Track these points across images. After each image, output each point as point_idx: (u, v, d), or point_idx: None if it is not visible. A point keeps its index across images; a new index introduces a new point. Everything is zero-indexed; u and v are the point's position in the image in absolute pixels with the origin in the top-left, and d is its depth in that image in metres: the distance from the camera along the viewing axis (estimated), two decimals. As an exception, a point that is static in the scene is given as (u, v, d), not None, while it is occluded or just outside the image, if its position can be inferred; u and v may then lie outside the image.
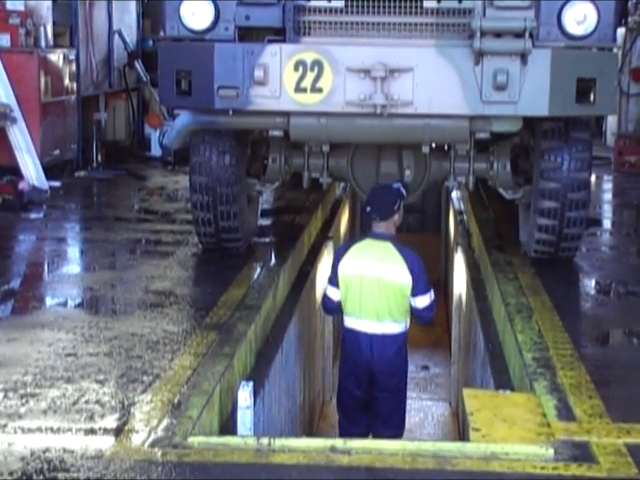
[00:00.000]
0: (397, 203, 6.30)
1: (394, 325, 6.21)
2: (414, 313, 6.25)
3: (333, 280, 6.32)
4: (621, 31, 12.68)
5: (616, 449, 4.16)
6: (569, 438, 4.28)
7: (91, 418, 4.33)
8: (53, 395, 4.60)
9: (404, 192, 6.61)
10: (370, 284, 6.12)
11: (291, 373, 7.34)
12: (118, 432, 4.18)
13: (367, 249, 6.21)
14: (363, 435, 6.34)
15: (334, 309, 6.49)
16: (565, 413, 4.57)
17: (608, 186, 12.01)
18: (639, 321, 6.25)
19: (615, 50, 6.90)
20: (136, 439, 4.13)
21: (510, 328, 5.94)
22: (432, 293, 6.22)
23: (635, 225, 10.10)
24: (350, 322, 6.29)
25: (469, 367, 8.28)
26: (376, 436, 6.32)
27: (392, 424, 6.43)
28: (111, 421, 4.31)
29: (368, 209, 6.26)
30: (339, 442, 4.17)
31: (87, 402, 4.52)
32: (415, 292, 6.13)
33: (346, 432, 6.42)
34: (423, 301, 6.17)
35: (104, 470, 3.82)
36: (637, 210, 10.42)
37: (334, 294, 6.34)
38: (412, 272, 6.07)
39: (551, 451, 4.10)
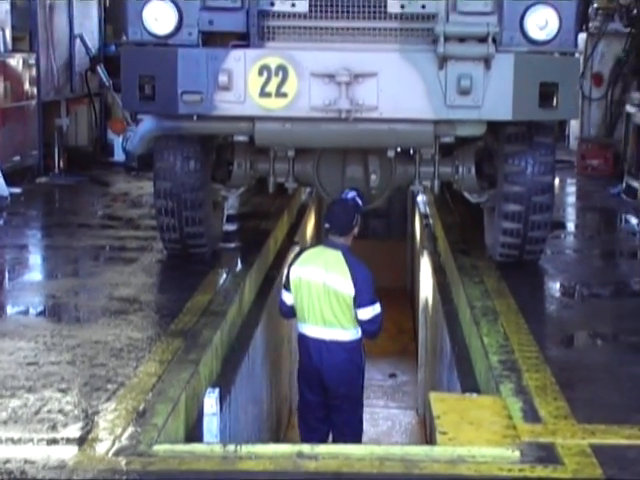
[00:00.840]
0: (355, 218, 6.37)
1: (342, 332, 6.20)
2: (359, 325, 6.24)
3: (286, 284, 6.36)
4: (582, 36, 12.79)
5: (581, 450, 4.18)
6: (535, 440, 4.30)
7: (53, 428, 4.27)
8: (14, 405, 4.54)
9: (360, 202, 6.71)
10: (317, 291, 6.15)
11: (258, 379, 7.31)
12: (81, 441, 4.13)
13: (317, 256, 6.25)
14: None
15: (288, 313, 6.51)
16: (531, 415, 4.59)
17: (572, 189, 12.11)
18: (603, 323, 6.30)
19: (577, 55, 6.95)
20: (100, 448, 4.08)
21: (476, 331, 5.96)
22: (377, 307, 6.18)
23: (598, 228, 10.19)
24: (301, 327, 6.34)
25: (436, 371, 8.29)
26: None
27: (347, 433, 6.39)
28: (74, 430, 4.25)
29: (327, 226, 6.29)
30: (306, 448, 4.15)
31: (49, 411, 4.47)
32: (358, 304, 6.12)
33: (305, 439, 6.44)
34: (365, 313, 6.14)
35: (67, 480, 3.78)
36: (600, 213, 10.51)
37: (287, 298, 6.38)
38: (355, 284, 6.07)
39: (517, 453, 4.11)
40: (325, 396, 6.39)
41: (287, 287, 6.35)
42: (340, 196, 6.81)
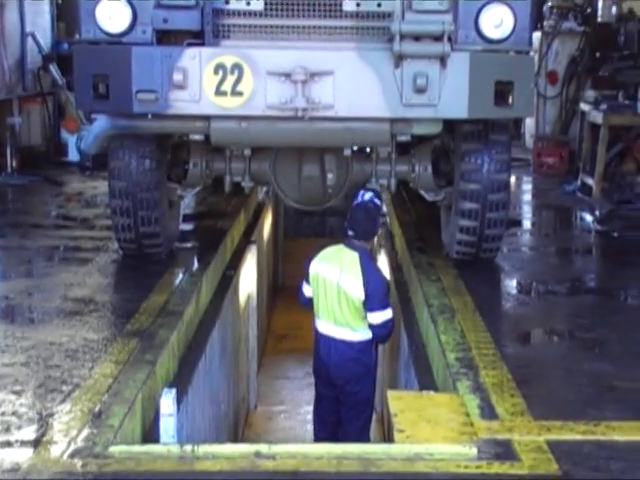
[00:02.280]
0: (378, 222, 6.45)
1: (351, 333, 6.24)
2: (369, 328, 6.25)
3: (307, 277, 6.44)
4: (537, 35, 12.89)
5: (537, 446, 4.21)
6: (492, 437, 4.32)
7: (7, 430, 4.22)
8: (-32, 407, 4.48)
9: (379, 202, 6.59)
10: (331, 289, 6.21)
11: (215, 379, 7.27)
12: (36, 444, 4.08)
13: (336, 255, 6.30)
14: (331, 438, 6.39)
15: (306, 303, 6.56)
16: (488, 412, 4.62)
17: (527, 187, 12.20)
18: (559, 320, 6.36)
19: (532, 53, 7.01)
20: (55, 450, 4.04)
21: (433, 329, 5.98)
22: (388, 312, 6.18)
23: (554, 225, 10.28)
24: (316, 322, 6.42)
25: (393, 369, 8.31)
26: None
27: (351, 431, 6.41)
28: (28, 433, 4.20)
29: (351, 233, 6.29)
30: (264, 447, 4.14)
31: (3, 414, 4.41)
32: (369, 308, 6.14)
33: (316, 433, 6.65)
34: (376, 318, 6.16)
35: (22, 483, 3.73)
36: (556, 210, 10.60)
37: (307, 290, 6.51)
38: (366, 288, 6.09)
39: (474, 450, 4.13)
40: (335, 391, 6.46)
41: (307, 279, 6.43)
42: (358, 199, 6.55)
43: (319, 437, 6.65)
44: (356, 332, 6.24)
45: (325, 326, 6.32)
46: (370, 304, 6.12)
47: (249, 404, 10.11)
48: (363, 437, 6.50)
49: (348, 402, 6.42)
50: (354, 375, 6.33)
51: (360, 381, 6.37)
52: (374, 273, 6.25)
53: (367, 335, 6.27)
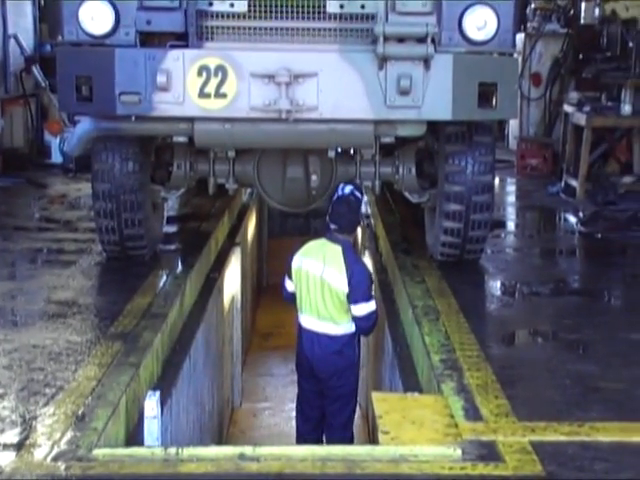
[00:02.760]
0: (360, 214, 6.46)
1: (334, 327, 6.28)
2: (353, 321, 6.28)
3: (289, 272, 6.47)
4: (520, 37, 12.93)
5: (521, 447, 4.22)
6: (476, 438, 4.33)
7: (-10, 433, 4.19)
8: (-50, 411, 4.45)
9: (360, 195, 6.72)
10: (314, 283, 6.25)
11: (199, 381, 7.26)
12: (19, 447, 4.06)
13: (319, 249, 6.35)
14: (313, 434, 6.52)
15: (289, 298, 6.60)
16: (472, 413, 4.62)
17: (511, 189, 12.23)
18: (543, 321, 6.37)
19: (515, 55, 7.03)
20: (38, 453, 4.02)
21: (418, 330, 5.98)
22: (372, 304, 6.24)
23: (538, 227, 10.31)
24: (299, 316, 6.45)
25: (378, 370, 8.31)
26: (327, 438, 6.49)
27: (336, 426, 6.48)
28: (11, 436, 4.18)
29: (334, 227, 6.34)
30: (248, 450, 4.13)
31: (-14, 417, 4.38)
32: (353, 300, 6.18)
33: (298, 429, 6.68)
34: (360, 310, 6.20)
35: (4, 487, 3.71)
36: (539, 212, 10.63)
37: (289, 285, 6.54)
38: (350, 280, 6.14)
39: (459, 451, 4.13)
40: (319, 386, 6.48)
41: (289, 274, 6.46)
42: (339, 192, 6.68)
43: (302, 433, 6.68)
44: (339, 325, 6.28)
45: (308, 320, 6.34)
46: (354, 296, 6.15)
47: (233, 405, 10.09)
48: (347, 432, 6.55)
49: (332, 395, 6.45)
50: (338, 369, 6.36)
51: (344, 374, 6.40)
52: (357, 265, 6.29)
53: (350, 328, 6.32)
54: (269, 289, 14.56)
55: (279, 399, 10.78)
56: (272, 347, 12.57)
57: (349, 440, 6.54)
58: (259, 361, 12.19)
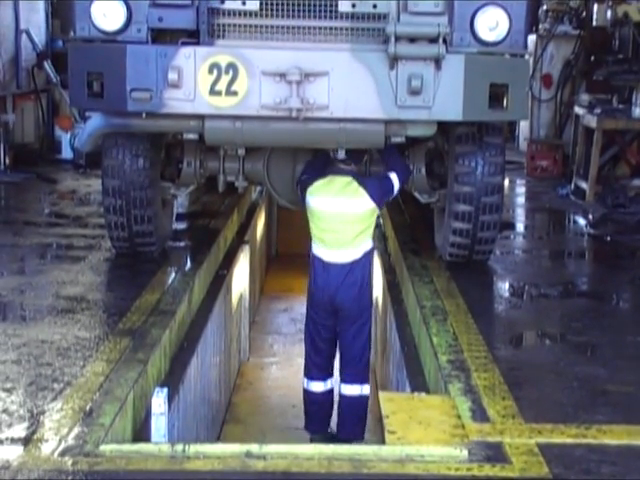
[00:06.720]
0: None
1: (353, 251, 6.46)
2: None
3: (304, 188, 6.62)
4: (532, 38, 12.92)
5: (528, 449, 4.22)
6: (483, 439, 4.32)
7: (-2, 427, 4.21)
8: (-42, 405, 4.46)
9: None
10: (331, 218, 6.43)
11: (207, 378, 7.27)
12: (27, 442, 4.08)
13: (328, 184, 6.50)
14: (325, 367, 6.72)
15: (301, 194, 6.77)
16: (479, 414, 4.62)
17: (521, 190, 12.21)
18: (551, 323, 6.36)
19: (526, 56, 7.01)
20: (46, 448, 4.03)
21: (425, 331, 5.98)
22: (393, 175, 6.66)
23: (547, 228, 10.29)
24: (314, 249, 6.56)
25: (385, 370, 8.31)
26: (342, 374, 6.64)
27: (356, 348, 6.56)
28: (19, 430, 4.19)
29: (341, 156, 6.51)
30: (254, 447, 4.13)
31: (-6, 411, 4.40)
32: (388, 176, 6.65)
33: (310, 362, 6.76)
34: (393, 182, 6.65)
35: (12, 481, 3.72)
36: (549, 214, 10.61)
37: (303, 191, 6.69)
38: (372, 197, 6.40)
39: (465, 452, 4.13)
40: (334, 319, 6.59)
41: (304, 191, 6.59)
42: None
43: (314, 363, 6.76)
44: (357, 248, 6.47)
45: (326, 253, 6.47)
46: (382, 185, 6.58)
47: (241, 356, 10.12)
48: (366, 354, 6.66)
49: (351, 326, 6.53)
50: (359, 294, 6.50)
51: (363, 298, 6.55)
52: (370, 180, 6.58)
53: (367, 246, 6.52)
54: (279, 259, 14.84)
55: (287, 355, 10.78)
56: (281, 309, 12.62)
57: (361, 379, 6.60)
58: (267, 321, 12.22)
